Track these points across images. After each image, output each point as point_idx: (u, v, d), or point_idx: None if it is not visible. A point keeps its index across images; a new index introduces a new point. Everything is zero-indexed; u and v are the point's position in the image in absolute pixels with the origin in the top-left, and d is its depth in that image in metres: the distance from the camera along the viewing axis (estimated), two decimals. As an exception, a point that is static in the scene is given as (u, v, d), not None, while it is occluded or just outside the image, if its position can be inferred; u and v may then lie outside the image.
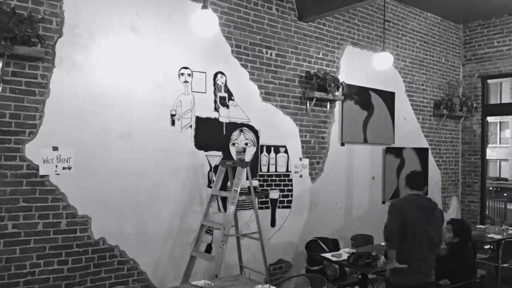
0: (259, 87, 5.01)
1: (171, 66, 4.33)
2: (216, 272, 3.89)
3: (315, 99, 5.37)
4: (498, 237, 5.77)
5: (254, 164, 4.95)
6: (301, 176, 5.42)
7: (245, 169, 4.23)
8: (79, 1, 3.79)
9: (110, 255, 3.98)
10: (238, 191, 4.09)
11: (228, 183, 4.57)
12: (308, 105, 5.44)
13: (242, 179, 4.22)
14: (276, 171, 5.19)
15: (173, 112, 4.35)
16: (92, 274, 3.88)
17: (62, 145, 3.70)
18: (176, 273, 4.34)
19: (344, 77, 5.77)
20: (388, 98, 6.47)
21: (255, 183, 4.29)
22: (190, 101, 4.47)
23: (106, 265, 3.96)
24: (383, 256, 4.18)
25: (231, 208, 4.09)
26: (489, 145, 14.10)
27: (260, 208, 5.00)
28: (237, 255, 4.67)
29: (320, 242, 5.15)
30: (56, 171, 3.68)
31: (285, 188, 5.28)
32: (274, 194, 5.17)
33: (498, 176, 22.81)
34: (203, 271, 4.29)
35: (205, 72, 4.56)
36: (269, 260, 4.88)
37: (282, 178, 5.25)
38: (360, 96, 6.06)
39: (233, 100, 4.74)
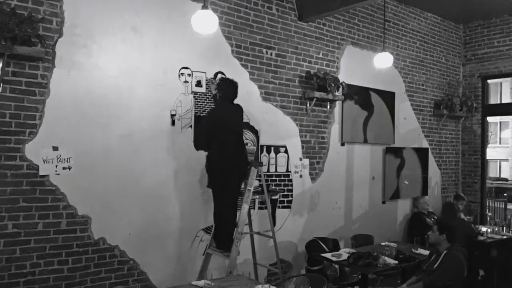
0: (259, 87, 5.01)
1: (171, 66, 4.33)
2: (231, 269, 3.91)
3: (315, 99, 5.37)
4: (497, 237, 5.78)
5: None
6: (301, 176, 5.42)
7: (257, 168, 4.24)
8: (79, 1, 3.78)
9: (110, 255, 3.98)
10: (252, 190, 4.12)
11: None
12: (308, 105, 5.44)
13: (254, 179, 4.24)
14: (276, 171, 5.19)
15: (173, 112, 4.35)
16: (92, 274, 3.88)
17: (62, 145, 3.70)
18: (176, 273, 4.35)
19: (344, 77, 5.76)
20: (388, 98, 6.47)
21: (256, 183, 4.30)
22: (190, 101, 4.47)
23: (106, 265, 3.96)
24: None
25: (245, 207, 4.12)
26: (489, 145, 14.09)
27: (260, 208, 5.00)
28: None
29: (320, 242, 5.15)
30: (56, 171, 3.68)
31: (285, 188, 5.28)
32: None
33: (498, 176, 22.81)
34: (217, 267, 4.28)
35: (205, 72, 4.56)
36: (269, 260, 4.89)
37: (282, 178, 5.25)
38: (360, 96, 6.05)
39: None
